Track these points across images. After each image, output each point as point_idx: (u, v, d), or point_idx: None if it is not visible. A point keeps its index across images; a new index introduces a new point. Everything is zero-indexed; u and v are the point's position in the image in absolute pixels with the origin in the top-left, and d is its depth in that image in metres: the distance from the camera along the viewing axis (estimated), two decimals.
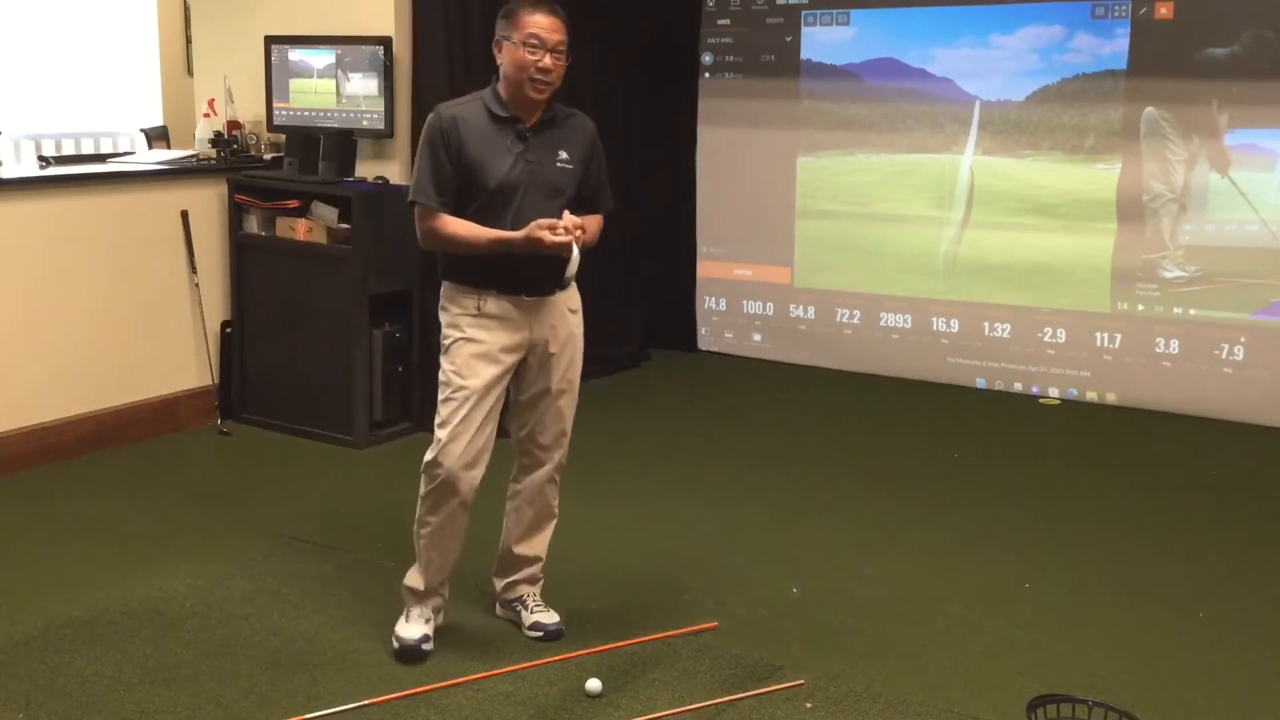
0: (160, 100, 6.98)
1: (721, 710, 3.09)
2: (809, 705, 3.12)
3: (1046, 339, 6.06)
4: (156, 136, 6.22)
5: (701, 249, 6.93)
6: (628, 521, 4.42)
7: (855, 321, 6.54)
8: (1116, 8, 5.73)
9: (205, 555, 4.03)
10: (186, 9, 6.82)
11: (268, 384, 5.45)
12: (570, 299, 3.41)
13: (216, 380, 5.50)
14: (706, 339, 6.99)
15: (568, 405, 3.45)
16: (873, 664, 3.34)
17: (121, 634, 3.46)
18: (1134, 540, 4.28)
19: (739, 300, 6.86)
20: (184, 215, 5.33)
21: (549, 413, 3.41)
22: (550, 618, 3.50)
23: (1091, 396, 5.99)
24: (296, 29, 5.49)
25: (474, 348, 3.26)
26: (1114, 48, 5.76)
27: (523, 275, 3.26)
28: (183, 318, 5.39)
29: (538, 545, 3.56)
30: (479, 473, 3.32)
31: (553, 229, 3.12)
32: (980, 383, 6.24)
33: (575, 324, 3.43)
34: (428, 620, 3.41)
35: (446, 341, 3.31)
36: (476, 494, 3.35)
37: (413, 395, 5.39)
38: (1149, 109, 5.73)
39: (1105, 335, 5.93)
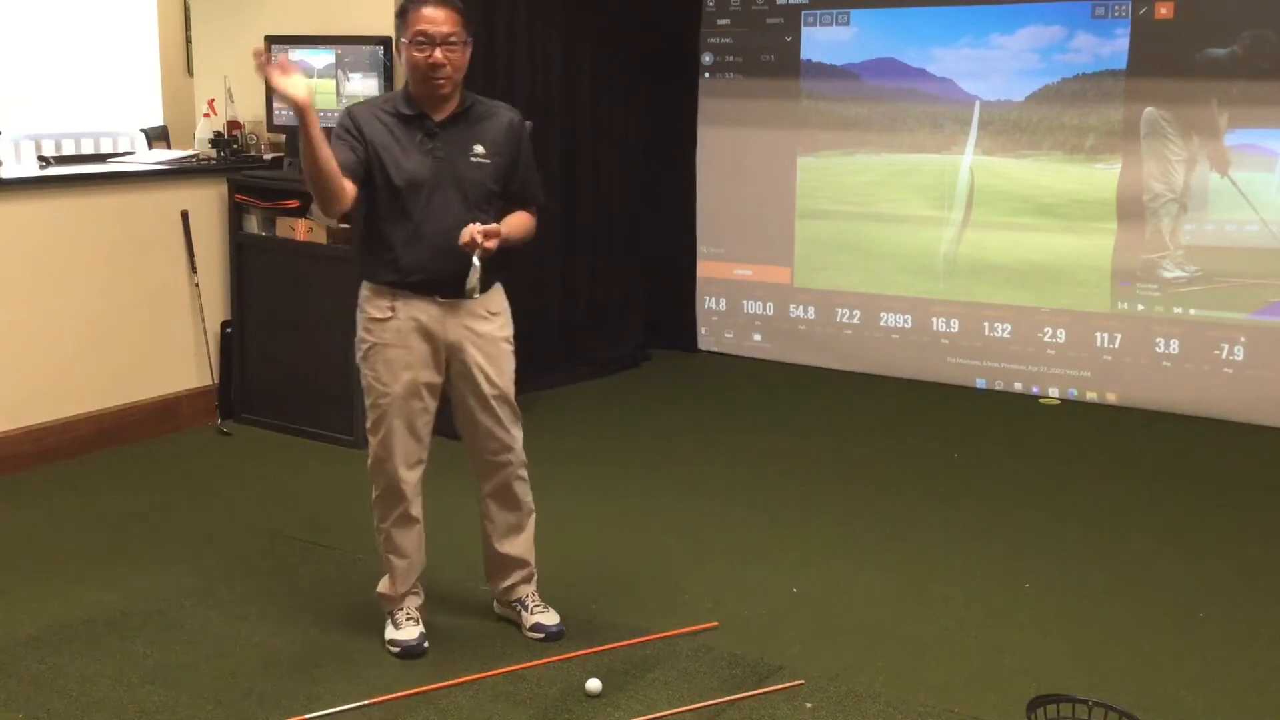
0: (160, 100, 6.98)
1: (721, 710, 3.09)
2: (809, 705, 3.12)
3: (1046, 339, 6.06)
4: (156, 136, 6.22)
5: (701, 249, 6.93)
6: (628, 521, 4.42)
7: (855, 321, 6.54)
8: (1116, 8, 5.73)
9: (205, 555, 4.04)
10: (186, 9, 6.82)
11: (268, 384, 5.45)
12: (490, 302, 3.33)
13: (216, 380, 5.50)
14: (706, 339, 6.99)
15: (504, 412, 3.36)
16: (873, 664, 3.34)
17: (121, 634, 3.46)
18: (1134, 540, 4.28)
19: (739, 300, 6.86)
20: (184, 215, 5.33)
21: (485, 420, 3.35)
22: (551, 618, 3.50)
23: (1091, 396, 5.98)
24: (296, 29, 5.49)
25: (390, 352, 3.25)
26: (1114, 48, 5.76)
27: (435, 278, 3.22)
28: (183, 318, 5.39)
29: (523, 544, 3.54)
30: (417, 475, 3.35)
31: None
32: (980, 383, 6.23)
33: (496, 327, 3.35)
34: (416, 621, 3.42)
35: (364, 347, 3.29)
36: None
37: None
38: (1149, 109, 5.73)
39: (1105, 335, 5.93)
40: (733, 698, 3.14)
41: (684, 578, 3.90)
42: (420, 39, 3.15)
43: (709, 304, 6.95)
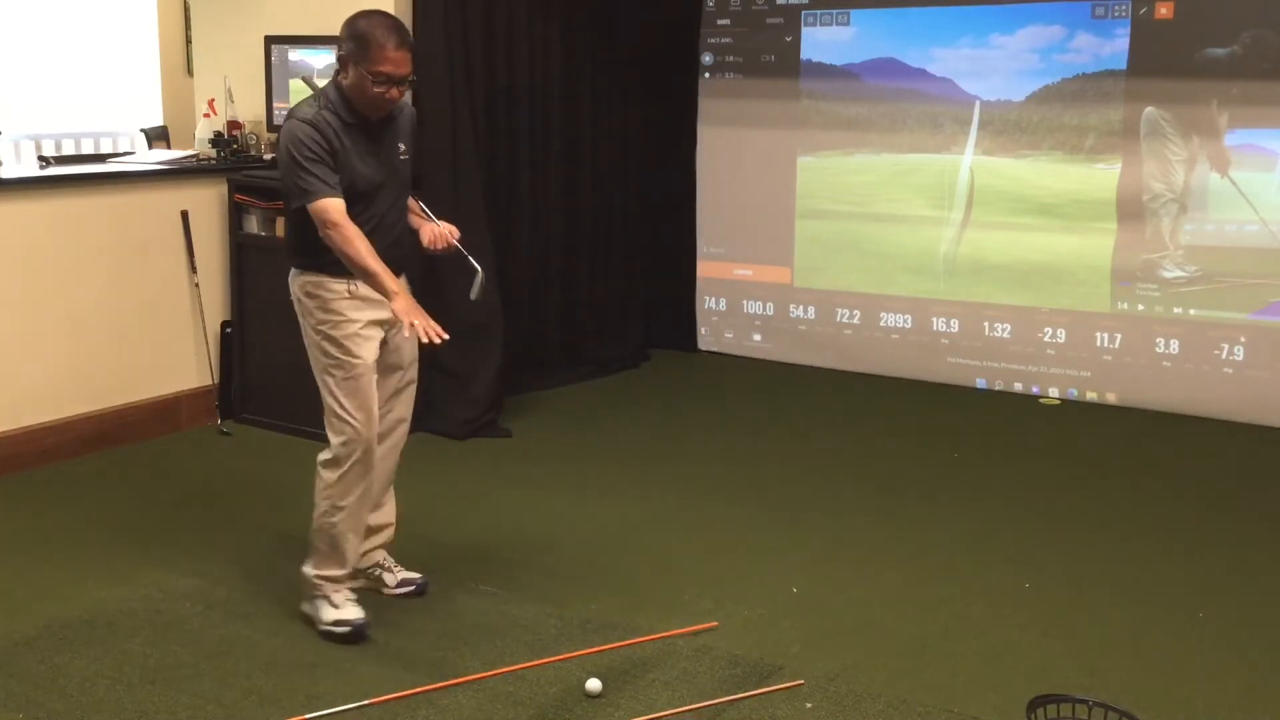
0: (160, 100, 6.98)
1: (721, 710, 3.09)
2: (809, 705, 3.12)
3: (1046, 339, 6.06)
4: (156, 136, 6.22)
5: (701, 249, 6.93)
6: (627, 521, 4.42)
7: (855, 321, 6.54)
8: (1116, 8, 5.73)
9: (205, 555, 4.04)
10: (186, 9, 6.82)
11: (268, 384, 5.45)
12: (404, 284, 3.52)
13: (216, 380, 5.50)
14: (706, 339, 6.99)
15: (414, 387, 3.66)
16: (873, 664, 3.34)
17: (121, 634, 3.46)
18: (1134, 540, 4.28)
19: (739, 300, 6.86)
20: (184, 215, 5.33)
21: (405, 390, 3.63)
22: (413, 573, 3.72)
23: (1091, 396, 5.99)
24: (296, 29, 5.49)
25: (356, 326, 3.42)
26: (1114, 48, 5.76)
27: (388, 264, 3.36)
28: (183, 318, 5.39)
29: (390, 510, 3.75)
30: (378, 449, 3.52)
31: (412, 325, 3.20)
32: (980, 383, 6.24)
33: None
34: (355, 599, 3.51)
35: (324, 327, 3.42)
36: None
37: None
38: (1149, 109, 5.73)
39: (1105, 335, 5.93)
40: (733, 698, 3.14)
41: (684, 578, 3.90)
42: (382, 78, 3.27)
43: (709, 304, 6.96)
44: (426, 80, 5.37)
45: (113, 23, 6.80)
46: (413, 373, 3.65)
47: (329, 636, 3.43)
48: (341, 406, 3.41)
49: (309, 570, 3.51)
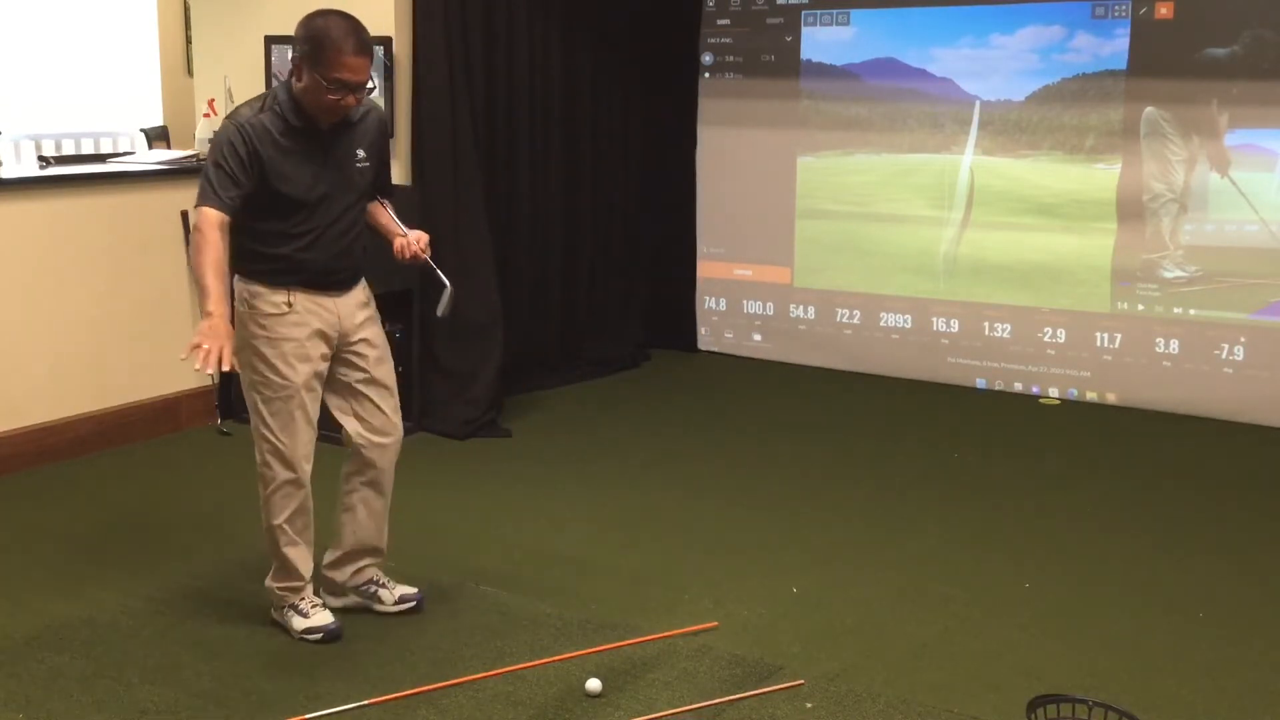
0: (160, 100, 6.98)
1: (721, 710, 3.09)
2: (809, 705, 3.12)
3: (1046, 339, 6.06)
4: (156, 136, 6.22)
5: (701, 249, 6.93)
6: (628, 521, 4.42)
7: (855, 321, 6.54)
8: (1116, 8, 5.73)
9: (206, 555, 4.03)
10: (186, 9, 6.82)
11: None
12: (364, 292, 3.44)
13: (216, 380, 5.49)
14: (706, 339, 6.99)
15: (387, 393, 3.46)
16: (873, 664, 3.34)
17: (121, 634, 3.46)
18: (1134, 540, 4.28)
19: (739, 300, 6.86)
20: (184, 215, 5.33)
21: (374, 398, 3.43)
22: (410, 588, 3.60)
23: (1091, 396, 5.98)
24: None
25: (289, 345, 3.26)
26: (1114, 48, 5.76)
27: (334, 275, 3.30)
28: (183, 318, 5.39)
29: (383, 534, 3.59)
30: (310, 465, 3.38)
31: (196, 346, 2.97)
32: (980, 383, 6.23)
33: (375, 314, 3.47)
34: (320, 604, 3.46)
35: (256, 341, 3.26)
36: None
37: (413, 395, 5.39)
38: (1149, 109, 5.73)
39: (1105, 335, 5.93)
40: (733, 698, 3.14)
41: (684, 578, 3.90)
42: (338, 84, 3.13)
43: (709, 304, 6.95)
44: (426, 81, 5.38)
45: (113, 23, 6.79)
46: (380, 374, 3.43)
47: (305, 642, 3.39)
48: (267, 428, 3.28)
49: (269, 582, 3.45)
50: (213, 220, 3.10)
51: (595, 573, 3.94)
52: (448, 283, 3.48)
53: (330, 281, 3.33)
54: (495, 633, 3.50)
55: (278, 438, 3.29)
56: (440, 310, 3.50)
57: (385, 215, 3.51)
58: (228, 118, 3.24)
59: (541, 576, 3.90)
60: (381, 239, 3.51)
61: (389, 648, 3.40)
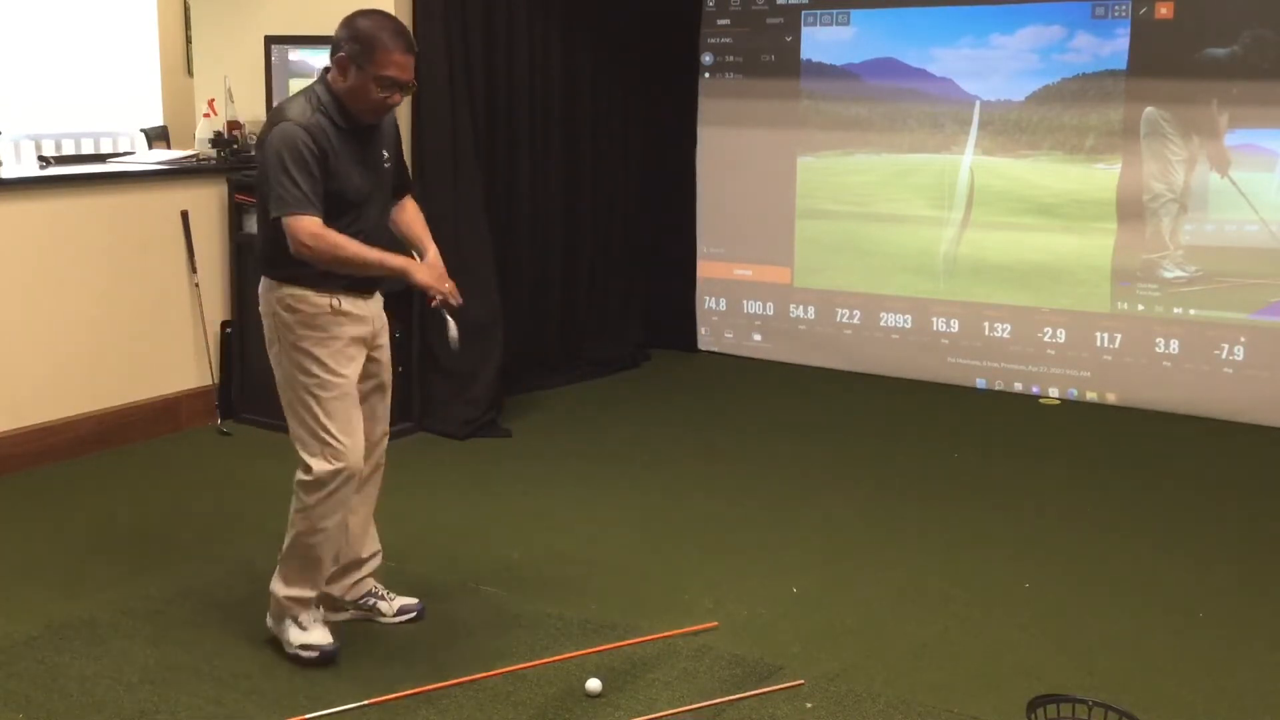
0: (160, 100, 6.99)
1: (721, 710, 3.09)
2: (809, 705, 3.12)
3: (1046, 339, 6.06)
4: (156, 136, 6.23)
5: (701, 249, 6.93)
6: (627, 521, 4.42)
7: (855, 321, 6.54)
8: (1116, 8, 5.73)
9: (206, 555, 4.03)
10: (186, 9, 6.83)
11: (268, 384, 5.35)
12: (380, 296, 3.43)
13: (216, 380, 5.50)
14: (706, 339, 6.99)
15: (388, 397, 3.51)
16: (873, 664, 3.34)
17: (121, 634, 3.46)
18: (1134, 540, 4.28)
19: (739, 300, 6.86)
20: (184, 215, 5.34)
21: (381, 405, 3.46)
22: (410, 599, 3.57)
23: (1091, 396, 5.98)
24: (296, 29, 5.48)
25: (339, 344, 3.25)
26: (1114, 48, 5.76)
27: (365, 275, 3.29)
28: (183, 318, 5.39)
29: (374, 538, 3.58)
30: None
31: (443, 288, 3.25)
32: (980, 383, 6.23)
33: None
34: (323, 623, 3.38)
35: (305, 344, 3.22)
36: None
37: (413, 395, 5.40)
38: (1149, 109, 5.73)
39: (1105, 335, 5.93)
40: (733, 698, 3.14)
41: (684, 578, 3.90)
42: (388, 82, 3.13)
43: (709, 304, 6.95)
44: (426, 81, 5.38)
45: (113, 23, 6.80)
46: (386, 378, 3.48)
47: (295, 660, 3.30)
48: (324, 429, 3.23)
49: (278, 589, 3.35)
50: (318, 225, 3.10)
51: (595, 573, 3.94)
52: (450, 319, 3.36)
53: (370, 283, 3.32)
54: (495, 633, 3.49)
55: (339, 439, 3.23)
56: (453, 345, 3.38)
57: (420, 225, 3.47)
58: (280, 118, 3.14)
59: (541, 576, 3.90)
60: (412, 247, 3.46)
61: (389, 648, 3.40)
